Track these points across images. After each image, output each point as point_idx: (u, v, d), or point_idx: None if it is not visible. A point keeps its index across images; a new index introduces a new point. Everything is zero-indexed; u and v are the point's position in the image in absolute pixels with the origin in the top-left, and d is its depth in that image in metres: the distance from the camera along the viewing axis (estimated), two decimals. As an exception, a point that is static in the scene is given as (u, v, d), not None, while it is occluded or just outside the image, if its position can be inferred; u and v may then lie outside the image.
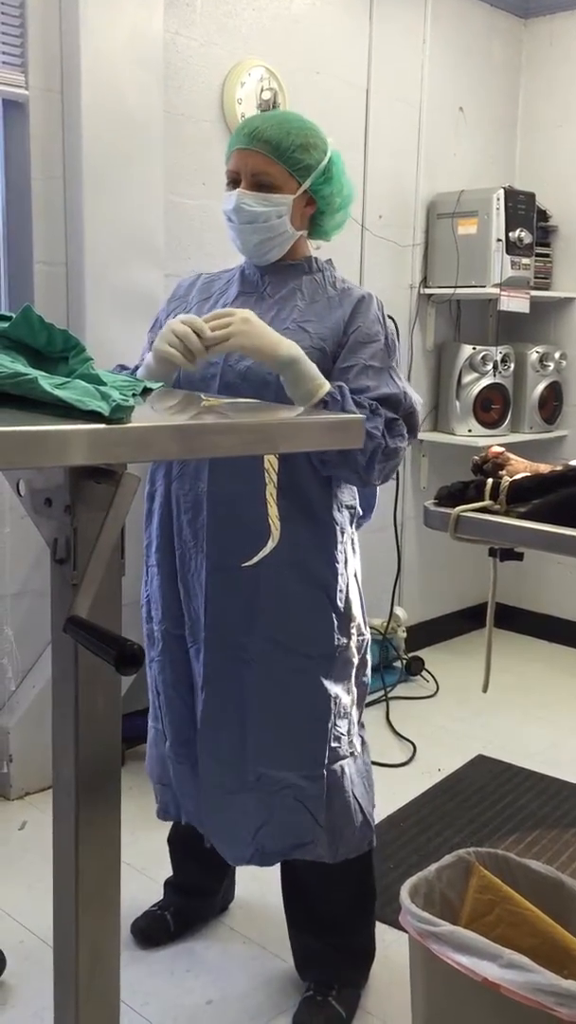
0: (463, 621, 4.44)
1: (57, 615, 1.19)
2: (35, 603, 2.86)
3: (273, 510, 1.75)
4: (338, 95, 3.50)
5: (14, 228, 2.74)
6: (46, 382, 1.07)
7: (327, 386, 1.73)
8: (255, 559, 1.78)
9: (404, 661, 3.91)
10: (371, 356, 1.80)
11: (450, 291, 3.89)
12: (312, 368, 1.72)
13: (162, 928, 2.22)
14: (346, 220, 1.95)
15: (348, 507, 1.90)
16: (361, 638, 1.95)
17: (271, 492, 1.75)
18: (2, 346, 1.29)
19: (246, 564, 1.80)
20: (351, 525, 1.92)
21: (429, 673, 3.93)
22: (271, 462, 1.75)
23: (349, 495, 1.90)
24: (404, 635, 3.93)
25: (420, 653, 4.06)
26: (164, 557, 1.94)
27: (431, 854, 2.55)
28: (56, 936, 1.29)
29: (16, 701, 2.86)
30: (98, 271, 2.74)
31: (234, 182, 1.84)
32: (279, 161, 1.80)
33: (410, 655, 3.96)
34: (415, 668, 3.92)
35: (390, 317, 1.92)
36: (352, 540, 1.93)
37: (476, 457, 1.84)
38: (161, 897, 2.29)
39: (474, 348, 3.94)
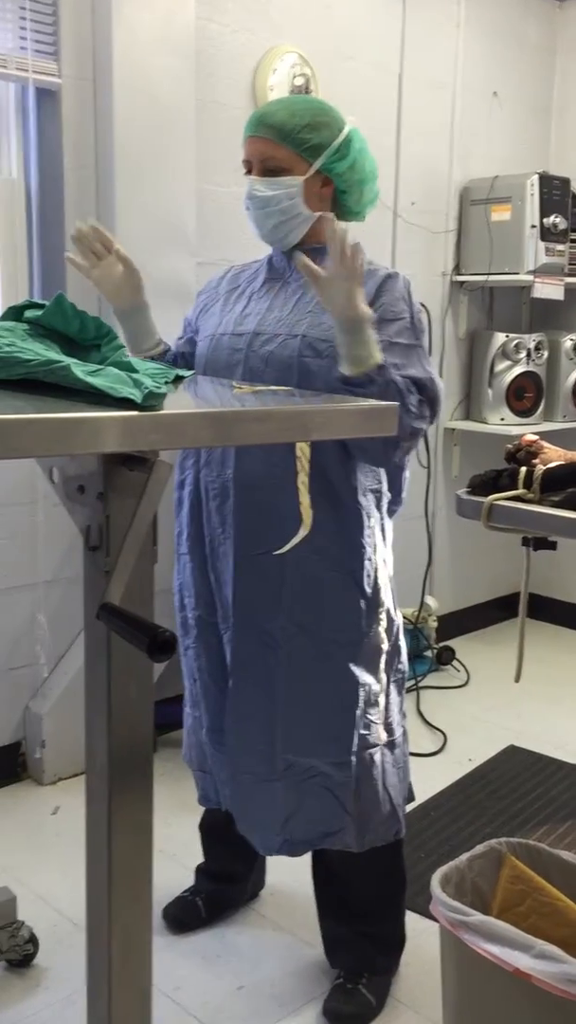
0: (495, 611, 4.42)
1: (90, 602, 1.19)
2: (68, 590, 2.88)
3: (305, 499, 1.74)
4: (371, 81, 3.47)
5: (47, 217, 2.75)
6: (79, 369, 1.08)
7: (378, 359, 1.69)
8: (286, 547, 1.78)
9: (435, 651, 3.90)
10: (396, 333, 1.78)
11: (483, 278, 3.86)
12: (373, 337, 1.69)
13: (193, 914, 2.23)
14: (375, 197, 1.94)
15: (373, 491, 1.89)
16: (392, 624, 1.94)
17: (303, 480, 1.74)
18: (36, 334, 1.29)
19: (277, 552, 1.80)
20: (378, 510, 1.90)
21: (460, 663, 3.92)
22: (303, 450, 1.75)
23: (373, 479, 1.89)
24: (435, 624, 3.92)
25: (451, 643, 4.04)
26: (195, 545, 1.95)
27: (462, 844, 2.54)
28: (89, 920, 1.30)
29: (49, 687, 2.89)
30: (130, 258, 2.73)
31: (249, 169, 1.85)
32: (284, 144, 1.80)
33: (441, 645, 3.95)
34: (446, 658, 3.91)
35: (422, 305, 1.90)
36: (382, 525, 1.92)
37: (509, 445, 1.82)
38: (192, 883, 2.30)
39: (507, 336, 3.90)
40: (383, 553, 1.92)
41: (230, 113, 3.05)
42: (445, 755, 3.17)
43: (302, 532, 1.75)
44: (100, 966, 1.28)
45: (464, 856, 1.83)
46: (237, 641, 1.89)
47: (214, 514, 1.89)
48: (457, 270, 3.94)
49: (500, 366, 3.91)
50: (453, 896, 1.71)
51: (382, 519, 1.92)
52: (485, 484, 1.73)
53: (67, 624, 2.90)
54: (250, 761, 1.91)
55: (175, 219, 2.82)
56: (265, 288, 1.91)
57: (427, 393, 1.78)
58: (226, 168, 3.06)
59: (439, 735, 3.29)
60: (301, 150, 1.81)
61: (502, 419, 3.93)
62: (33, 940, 2.09)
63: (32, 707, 2.87)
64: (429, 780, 2.93)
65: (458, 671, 3.90)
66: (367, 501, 1.87)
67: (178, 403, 1.16)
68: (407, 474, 1.96)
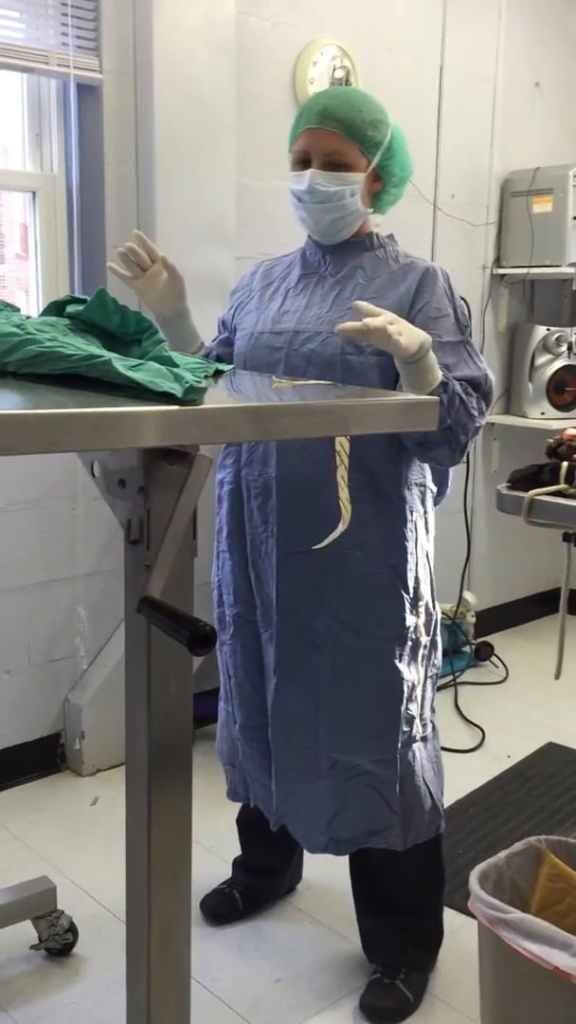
0: (534, 607, 4.38)
1: (131, 596, 1.20)
2: (107, 583, 2.90)
3: (344, 493, 1.74)
4: (411, 73, 3.45)
5: (87, 212, 2.76)
6: (120, 364, 1.08)
7: (440, 374, 1.69)
8: (325, 542, 1.78)
9: (473, 646, 3.88)
10: (445, 331, 1.77)
11: (524, 271, 3.82)
12: (434, 357, 1.68)
13: (230, 906, 2.24)
14: (401, 196, 1.93)
15: (418, 485, 1.88)
16: (431, 618, 1.93)
17: (342, 475, 1.75)
18: (77, 329, 1.31)
19: (316, 547, 1.80)
20: (422, 504, 1.89)
21: (499, 659, 3.89)
22: (342, 444, 1.75)
23: (419, 473, 1.88)
24: (473, 620, 3.90)
25: (490, 638, 4.02)
26: (235, 543, 1.95)
27: (500, 841, 2.53)
28: (128, 911, 1.32)
29: (88, 679, 2.91)
30: (169, 254, 2.72)
31: (303, 162, 1.82)
32: (351, 139, 1.78)
33: (479, 640, 3.93)
34: (484, 653, 3.88)
35: (463, 299, 1.89)
36: (425, 519, 1.91)
37: (551, 440, 1.81)
38: (229, 876, 2.31)
39: (548, 329, 3.86)
40: (426, 547, 1.91)
41: (270, 107, 3.05)
42: (483, 751, 3.15)
43: (341, 527, 1.75)
44: (139, 956, 1.29)
45: (503, 853, 1.82)
46: (280, 640, 1.88)
47: (256, 512, 1.89)
48: (498, 263, 3.91)
49: (541, 360, 3.87)
50: (492, 893, 1.70)
51: (426, 513, 1.91)
52: (526, 479, 1.72)
53: (106, 617, 2.93)
54: (294, 760, 1.91)
55: (215, 214, 2.82)
56: (301, 284, 1.90)
57: (481, 389, 1.78)
58: (266, 162, 3.06)
59: (477, 731, 3.28)
60: (365, 147, 1.80)
61: (542, 413, 3.90)
62: (72, 929, 2.11)
63: (71, 699, 2.89)
64: (467, 776, 2.92)
65: (497, 667, 3.87)
66: (411, 496, 1.86)
67: (218, 397, 1.17)
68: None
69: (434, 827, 1.96)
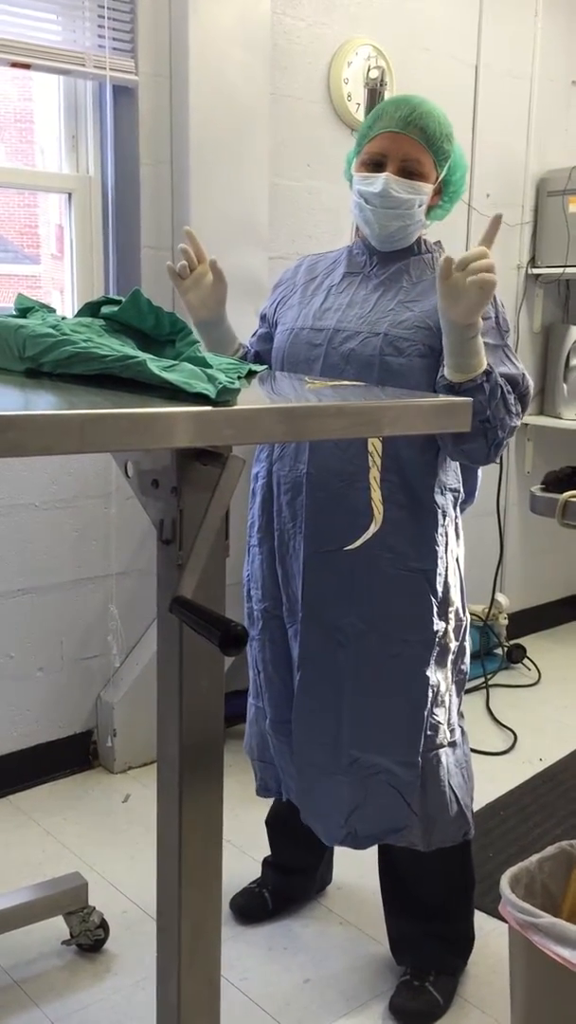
0: (568, 609, 4.35)
1: (163, 595, 1.21)
2: (139, 582, 2.92)
3: (376, 494, 1.74)
4: (447, 72, 3.44)
5: (123, 213, 2.78)
6: (154, 365, 1.09)
7: (484, 366, 1.68)
8: (357, 543, 1.78)
9: (505, 648, 3.85)
10: (484, 334, 1.74)
11: (559, 271, 3.79)
12: (481, 346, 1.68)
13: (260, 905, 2.25)
14: (451, 211, 1.95)
15: (452, 490, 1.87)
16: (459, 623, 1.92)
17: (375, 476, 1.74)
18: (111, 329, 1.31)
19: (348, 548, 1.80)
20: (454, 508, 1.89)
21: (531, 661, 3.87)
22: (375, 445, 1.74)
23: (453, 478, 1.87)
24: (505, 622, 3.87)
25: (522, 641, 3.99)
26: (265, 537, 1.95)
27: (531, 844, 2.51)
28: (159, 908, 1.32)
29: (120, 677, 2.93)
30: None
31: (376, 164, 1.80)
32: (430, 150, 1.79)
33: (511, 642, 3.91)
34: (516, 656, 3.86)
35: (504, 305, 1.88)
36: (456, 524, 1.90)
37: (586, 442, 1.79)
38: (259, 875, 2.31)
39: (583, 330, 3.83)
40: (456, 552, 1.90)
41: (304, 107, 3.05)
42: (515, 754, 3.13)
43: (373, 528, 1.75)
44: (170, 953, 1.30)
45: (534, 857, 1.81)
46: (305, 636, 1.89)
47: (285, 508, 1.89)
48: (533, 263, 3.88)
49: (576, 360, 3.85)
50: (523, 897, 1.70)
51: (456, 517, 1.90)
52: (560, 480, 1.70)
53: (138, 615, 2.94)
54: (315, 753, 1.92)
55: (248, 214, 2.82)
56: (345, 282, 1.89)
57: (519, 389, 1.77)
58: (299, 162, 3.06)
59: (509, 734, 3.26)
60: (439, 159, 1.82)
61: (577, 414, 3.87)
62: (104, 925, 2.13)
63: (104, 696, 2.91)
64: (498, 779, 2.90)
65: (529, 670, 3.85)
66: (444, 500, 1.85)
67: (251, 398, 1.17)
68: (479, 471, 1.94)
69: (461, 832, 1.95)
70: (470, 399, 1.26)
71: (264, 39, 2.79)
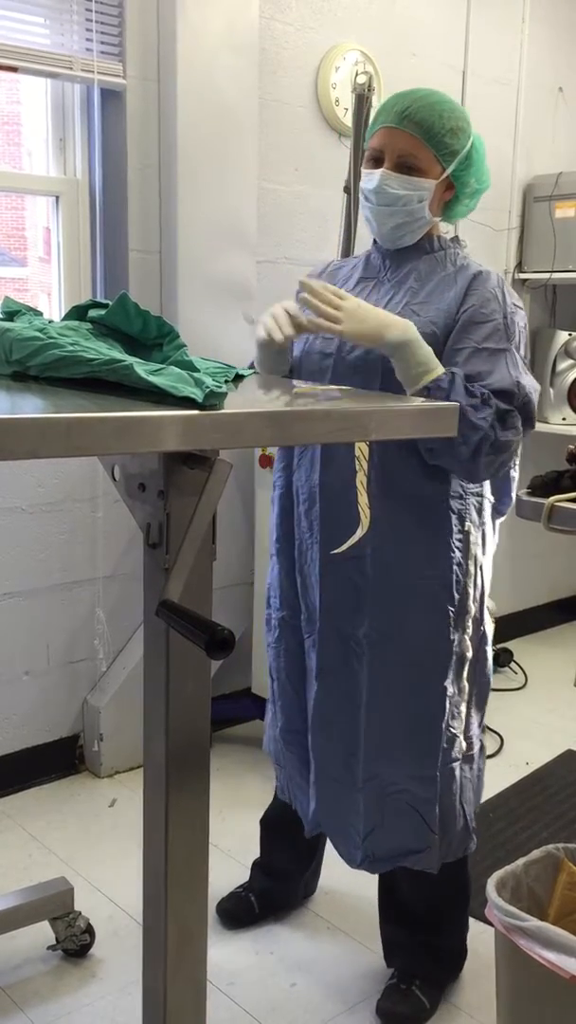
0: (554, 613, 4.36)
1: (150, 599, 1.21)
2: (126, 586, 2.91)
3: (363, 498, 1.74)
4: (434, 77, 3.44)
5: (110, 216, 2.78)
6: (141, 368, 1.09)
7: (435, 372, 1.64)
8: (344, 547, 1.78)
9: (492, 652, 3.85)
10: (484, 337, 1.70)
11: (546, 276, 3.81)
12: (422, 353, 1.65)
13: (246, 909, 2.24)
14: (475, 206, 1.89)
15: (473, 495, 1.81)
16: (479, 633, 1.88)
17: (361, 480, 1.74)
18: (98, 333, 1.31)
19: (334, 552, 1.80)
20: (478, 514, 1.83)
21: (518, 665, 3.87)
22: (362, 450, 1.74)
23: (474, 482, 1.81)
24: (493, 626, 3.87)
25: (509, 644, 4.00)
26: (284, 547, 1.94)
27: (518, 848, 2.52)
28: (145, 913, 1.32)
29: (107, 681, 2.92)
30: (191, 258, 2.76)
31: (376, 160, 1.77)
32: (428, 144, 1.74)
33: (498, 646, 3.91)
34: (503, 660, 3.87)
35: (517, 306, 1.81)
36: (482, 531, 1.84)
37: (572, 446, 1.80)
38: (246, 879, 2.31)
39: (570, 334, 3.85)
40: (479, 559, 1.85)
41: (292, 112, 3.05)
42: (502, 758, 3.14)
43: (360, 531, 1.74)
44: (156, 958, 1.29)
45: (521, 861, 1.81)
46: (322, 646, 1.86)
47: (303, 517, 1.87)
48: (520, 268, 3.90)
49: (562, 365, 3.86)
50: (509, 901, 1.70)
51: (482, 524, 1.84)
52: (546, 485, 1.71)
53: (125, 619, 2.94)
54: (333, 766, 1.89)
55: (236, 218, 2.83)
56: (358, 288, 1.85)
57: (515, 400, 1.69)
58: (287, 167, 3.07)
59: (496, 738, 3.26)
60: (441, 154, 1.75)
61: (564, 419, 3.88)
62: (89, 930, 2.12)
63: (90, 700, 2.90)
64: (486, 783, 2.89)
65: (516, 673, 3.85)
66: (462, 505, 1.79)
67: (238, 402, 1.17)
68: (514, 474, 1.87)
69: (463, 848, 1.93)
70: (456, 404, 1.26)
71: (252, 44, 2.79)
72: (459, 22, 3.50)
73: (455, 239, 1.88)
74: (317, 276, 1.96)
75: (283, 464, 1.92)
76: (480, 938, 2.13)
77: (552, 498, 1.61)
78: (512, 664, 3.87)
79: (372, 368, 1.75)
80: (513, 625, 4.16)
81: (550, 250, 3.76)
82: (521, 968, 1.64)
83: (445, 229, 1.91)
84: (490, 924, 1.70)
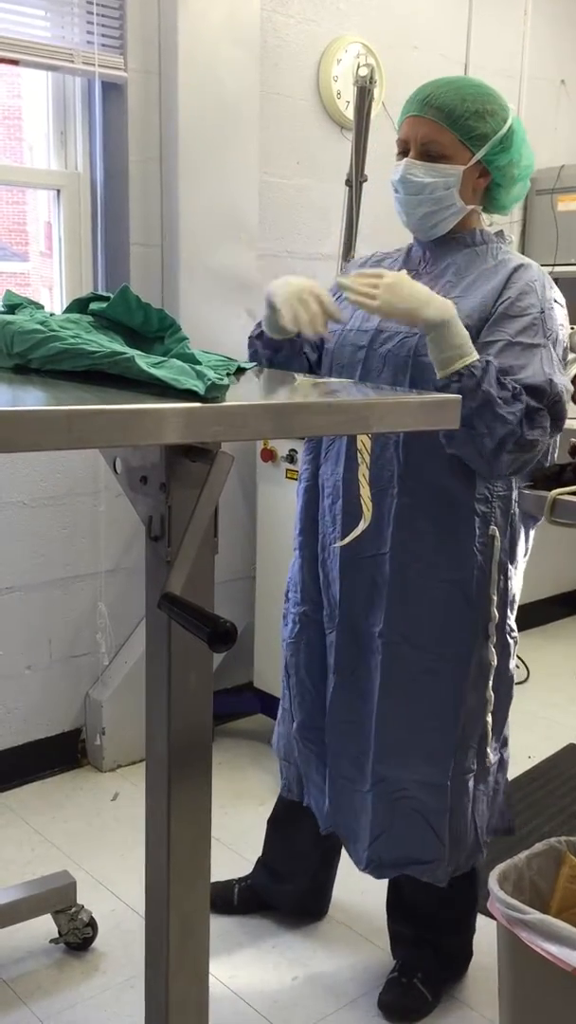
0: (556, 607, 4.36)
1: (151, 592, 1.21)
2: (128, 580, 2.91)
3: (365, 491, 1.73)
4: (436, 70, 3.40)
5: (111, 210, 2.77)
6: (143, 361, 1.08)
7: (470, 358, 1.58)
8: (346, 540, 1.77)
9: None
10: (518, 331, 1.64)
11: (548, 269, 3.78)
12: (459, 336, 1.58)
13: (225, 898, 2.20)
14: (525, 193, 1.83)
15: (501, 497, 1.75)
16: (503, 641, 1.83)
17: (363, 473, 1.73)
18: (100, 326, 1.31)
19: (336, 545, 1.79)
20: (505, 518, 1.77)
21: (520, 659, 3.87)
22: (364, 443, 1.74)
23: (503, 485, 1.75)
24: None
25: (511, 638, 4.00)
26: (307, 541, 1.92)
27: (520, 841, 2.51)
28: (148, 906, 1.32)
29: (109, 675, 2.92)
30: (193, 252, 2.75)
31: (404, 152, 1.74)
32: (451, 129, 1.69)
33: (501, 640, 3.91)
34: (506, 653, 3.86)
35: (557, 302, 1.75)
36: (511, 535, 1.79)
37: (574, 439, 1.79)
38: (247, 872, 2.29)
39: (573, 328, 3.83)
40: (506, 564, 1.80)
41: (294, 105, 3.05)
42: (504, 752, 3.13)
43: (362, 525, 1.74)
44: (158, 951, 1.30)
45: (523, 854, 1.81)
46: (340, 643, 1.85)
47: (327, 512, 1.85)
48: (522, 261, 3.89)
49: (566, 359, 3.85)
50: (511, 894, 1.70)
51: (509, 529, 1.79)
52: (548, 478, 1.70)
53: (127, 613, 2.94)
54: (345, 765, 1.89)
55: (237, 211, 2.82)
56: None
57: (545, 398, 1.62)
58: (288, 160, 3.06)
59: (498, 731, 3.26)
60: (466, 138, 1.69)
61: (566, 413, 3.87)
62: (92, 924, 2.12)
63: (92, 694, 2.91)
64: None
65: (518, 667, 3.84)
66: (487, 508, 1.74)
67: (240, 395, 1.17)
68: None
69: (471, 862, 1.91)
70: (459, 396, 1.25)
71: (254, 36, 2.78)
72: (461, 15, 3.49)
73: (499, 233, 1.83)
74: (359, 265, 1.92)
75: (310, 456, 1.89)
76: (482, 931, 2.13)
77: (555, 491, 1.61)
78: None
79: (402, 361, 1.71)
80: (516, 619, 4.15)
81: (552, 243, 3.75)
82: (523, 961, 1.64)
83: (488, 222, 1.85)
84: (492, 917, 1.70)
